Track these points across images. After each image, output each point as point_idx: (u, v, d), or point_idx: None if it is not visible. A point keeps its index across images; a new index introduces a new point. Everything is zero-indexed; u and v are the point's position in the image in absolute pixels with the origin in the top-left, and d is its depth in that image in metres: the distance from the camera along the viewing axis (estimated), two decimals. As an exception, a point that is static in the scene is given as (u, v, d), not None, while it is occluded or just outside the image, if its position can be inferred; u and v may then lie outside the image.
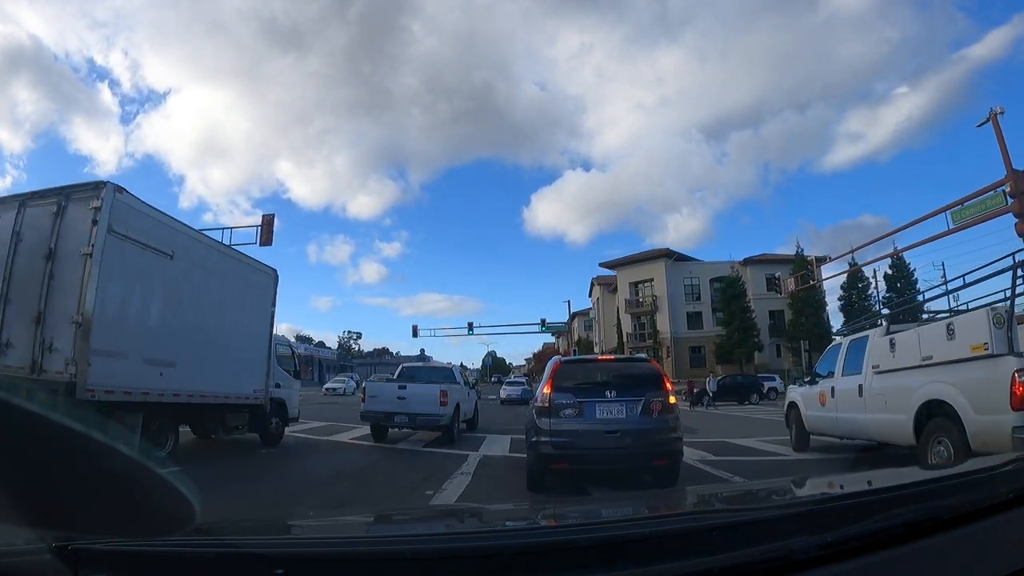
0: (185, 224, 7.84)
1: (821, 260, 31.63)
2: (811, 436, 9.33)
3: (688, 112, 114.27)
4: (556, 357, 7.08)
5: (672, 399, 6.00)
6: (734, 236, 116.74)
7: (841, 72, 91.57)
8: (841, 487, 1.70)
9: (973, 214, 17.55)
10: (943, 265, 39.39)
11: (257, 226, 25.08)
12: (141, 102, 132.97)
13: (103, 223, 5.95)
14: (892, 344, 6.93)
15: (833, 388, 8.31)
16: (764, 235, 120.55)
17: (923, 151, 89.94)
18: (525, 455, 6.54)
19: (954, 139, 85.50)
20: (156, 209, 7.05)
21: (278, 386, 9.92)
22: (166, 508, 0.72)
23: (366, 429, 11.22)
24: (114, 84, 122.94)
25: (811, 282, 30.50)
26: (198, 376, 7.49)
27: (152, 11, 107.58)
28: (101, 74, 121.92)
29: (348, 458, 8.95)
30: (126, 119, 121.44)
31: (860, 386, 7.48)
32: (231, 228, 26.35)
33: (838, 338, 9.67)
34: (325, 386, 35.47)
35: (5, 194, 7.13)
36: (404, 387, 10.61)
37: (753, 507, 1.38)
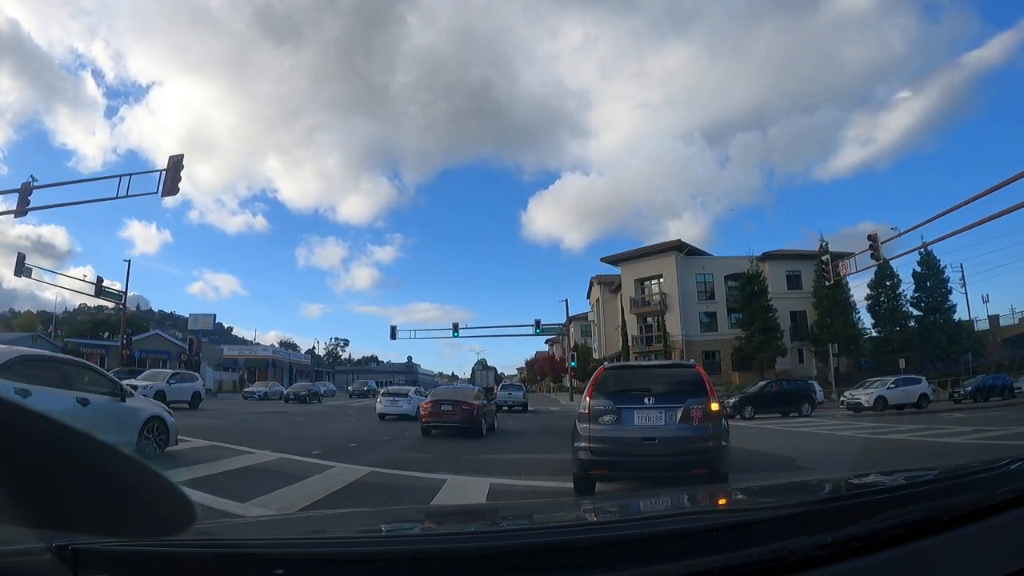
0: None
1: (846, 255, 31.06)
2: None
3: (691, 113, 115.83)
4: (603, 364, 7.90)
5: (715, 406, 6.26)
6: (736, 242, 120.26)
7: (845, 75, 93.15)
8: (841, 487, 1.78)
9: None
10: (961, 267, 39.46)
11: (161, 171, 20.15)
12: (125, 94, 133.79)
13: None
14: None
15: None
16: (767, 241, 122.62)
17: (925, 157, 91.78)
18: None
19: (955, 143, 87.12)
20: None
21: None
22: (166, 508, 0.76)
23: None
24: (98, 74, 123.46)
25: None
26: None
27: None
28: (84, 63, 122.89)
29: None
30: (110, 112, 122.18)
31: None
32: (131, 175, 21.50)
33: None
34: None
35: None
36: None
37: (752, 507, 1.46)
